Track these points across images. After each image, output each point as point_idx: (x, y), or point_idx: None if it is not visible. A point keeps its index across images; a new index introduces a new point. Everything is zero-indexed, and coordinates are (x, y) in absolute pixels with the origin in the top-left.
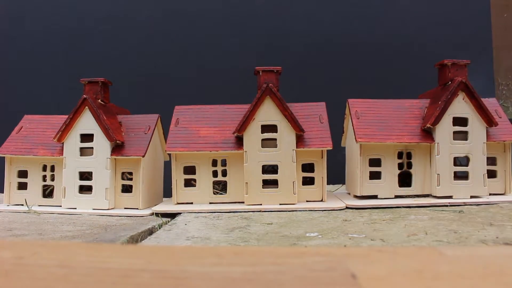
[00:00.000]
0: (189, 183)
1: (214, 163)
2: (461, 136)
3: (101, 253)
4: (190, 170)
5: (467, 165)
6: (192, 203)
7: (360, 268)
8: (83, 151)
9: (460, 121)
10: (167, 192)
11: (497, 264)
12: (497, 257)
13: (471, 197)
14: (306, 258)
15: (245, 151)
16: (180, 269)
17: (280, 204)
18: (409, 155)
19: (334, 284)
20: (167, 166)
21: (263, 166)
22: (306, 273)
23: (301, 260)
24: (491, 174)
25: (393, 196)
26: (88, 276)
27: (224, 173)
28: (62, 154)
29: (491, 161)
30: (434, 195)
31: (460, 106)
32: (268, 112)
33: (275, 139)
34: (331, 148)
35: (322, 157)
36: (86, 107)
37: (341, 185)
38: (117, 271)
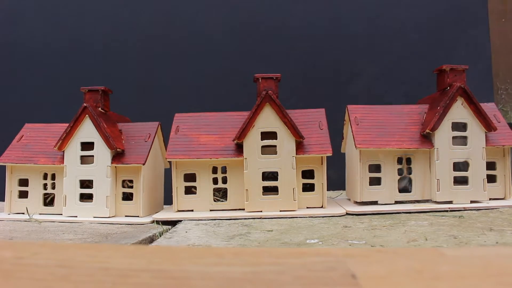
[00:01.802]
0: (189, 191)
1: (214, 170)
2: (461, 141)
3: (101, 253)
4: (190, 177)
5: (466, 170)
6: (192, 210)
7: (360, 268)
8: (84, 159)
9: (459, 126)
10: (168, 200)
11: (497, 264)
12: (497, 257)
13: (471, 202)
14: (306, 258)
15: (245, 158)
16: (180, 269)
17: (280, 211)
18: (408, 161)
19: (334, 284)
20: (168, 173)
21: (263, 173)
22: (306, 273)
23: (301, 260)
24: (491, 179)
25: (393, 202)
26: (88, 276)
27: (224, 180)
28: (62, 163)
29: (491, 165)
30: (434, 200)
31: (459, 111)
32: (268, 119)
33: (275, 146)
34: (330, 154)
35: (322, 164)
36: (87, 115)
37: (341, 192)
38: (117, 271)
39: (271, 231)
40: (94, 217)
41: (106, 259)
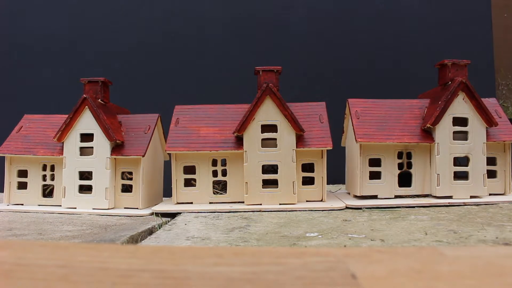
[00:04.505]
0: (189, 183)
1: (214, 162)
2: (461, 136)
3: (101, 253)
4: (190, 169)
5: (467, 165)
6: (192, 203)
7: (360, 268)
8: (83, 151)
9: (460, 121)
10: (167, 192)
11: (497, 264)
12: (497, 257)
13: (471, 197)
14: (306, 258)
15: (245, 151)
16: (180, 269)
17: (280, 204)
18: (409, 155)
19: (334, 284)
20: (167, 165)
21: (263, 166)
22: (306, 273)
23: (301, 260)
24: (491, 174)
25: (393, 196)
26: (88, 276)
27: (224, 173)
28: (62, 154)
29: (491, 161)
30: (434, 195)
31: (460, 106)
32: (268, 112)
33: (275, 139)
34: (331, 148)
35: (322, 157)
36: (86, 106)
37: (340, 186)
38: (117, 271)
39: (271, 224)
40: (93, 208)
41: (106, 259)
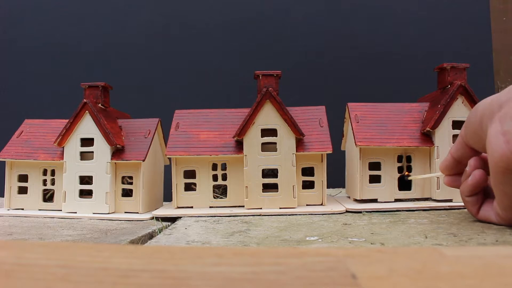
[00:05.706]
0: (189, 187)
1: (214, 167)
2: None
3: (101, 254)
4: (190, 174)
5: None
6: (192, 207)
7: (360, 268)
8: (84, 155)
9: (459, 124)
10: (167, 196)
11: (497, 264)
12: (497, 257)
13: None
14: (306, 258)
15: (245, 155)
16: (180, 269)
17: (280, 208)
18: (408, 159)
19: (334, 284)
20: (167, 170)
21: (263, 170)
22: (306, 273)
23: (301, 260)
24: None
25: (393, 200)
26: (88, 276)
27: (224, 177)
28: (62, 159)
29: None
30: (434, 198)
31: (460, 109)
32: (268, 116)
33: (275, 143)
34: (331, 152)
35: (322, 161)
36: (87, 111)
37: (340, 190)
38: (117, 271)
39: (271, 228)
40: (94, 213)
41: (106, 259)
